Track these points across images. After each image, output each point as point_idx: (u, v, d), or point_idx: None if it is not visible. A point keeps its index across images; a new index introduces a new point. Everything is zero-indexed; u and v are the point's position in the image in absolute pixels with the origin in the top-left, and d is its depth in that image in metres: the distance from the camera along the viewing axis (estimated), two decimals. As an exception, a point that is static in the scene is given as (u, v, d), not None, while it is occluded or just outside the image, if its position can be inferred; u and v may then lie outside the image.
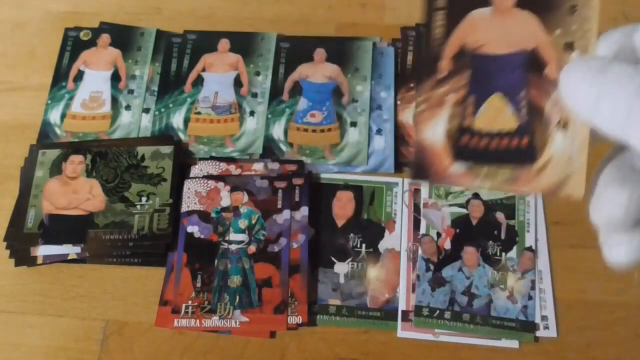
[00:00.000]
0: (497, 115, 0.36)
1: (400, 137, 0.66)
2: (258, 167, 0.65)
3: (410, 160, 0.65)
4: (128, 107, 0.70)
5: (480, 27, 0.35)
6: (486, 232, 0.61)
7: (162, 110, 0.69)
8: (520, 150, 0.35)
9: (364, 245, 0.61)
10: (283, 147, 0.66)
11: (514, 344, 0.56)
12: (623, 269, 0.26)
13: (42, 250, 0.61)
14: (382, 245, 0.61)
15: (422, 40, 0.43)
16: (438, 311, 0.57)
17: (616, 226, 0.26)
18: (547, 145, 0.32)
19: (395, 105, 0.68)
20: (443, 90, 0.36)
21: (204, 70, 0.71)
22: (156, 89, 0.70)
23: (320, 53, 0.71)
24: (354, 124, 0.67)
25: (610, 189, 0.26)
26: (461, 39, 0.36)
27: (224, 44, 0.72)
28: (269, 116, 0.68)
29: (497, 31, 0.35)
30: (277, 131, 0.67)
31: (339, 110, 0.68)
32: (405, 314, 0.58)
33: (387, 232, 0.62)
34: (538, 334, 0.57)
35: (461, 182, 0.34)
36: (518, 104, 0.35)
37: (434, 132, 0.36)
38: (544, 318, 0.57)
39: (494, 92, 0.36)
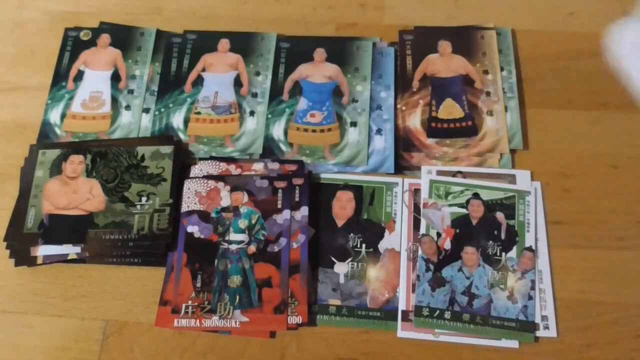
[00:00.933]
0: (450, 110, 0.66)
1: (404, 141, 0.66)
2: (258, 167, 0.65)
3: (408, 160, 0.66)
4: (128, 107, 0.70)
5: (434, 62, 0.62)
6: (486, 232, 0.61)
7: (162, 110, 0.69)
8: (467, 128, 0.66)
9: (364, 245, 0.61)
10: (283, 147, 0.66)
11: (514, 344, 0.56)
12: None
13: (42, 250, 0.61)
14: (382, 245, 0.61)
15: (399, 68, 0.70)
16: (438, 311, 0.57)
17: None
18: (482, 124, 0.58)
19: (396, 107, 0.68)
20: (416, 98, 0.69)
21: (204, 70, 0.71)
22: (156, 89, 0.70)
23: (320, 53, 0.71)
24: (354, 124, 0.67)
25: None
26: (424, 69, 0.70)
27: (224, 44, 0.72)
28: (269, 116, 0.68)
29: (444, 65, 0.70)
30: (277, 131, 0.67)
31: (339, 110, 0.68)
32: (405, 314, 0.58)
33: (387, 232, 0.62)
34: (538, 334, 0.57)
35: (434, 149, 0.61)
36: (462, 103, 0.67)
37: (414, 121, 0.67)
38: (544, 318, 0.57)
39: (447, 97, 0.68)
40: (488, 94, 0.67)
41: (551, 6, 0.76)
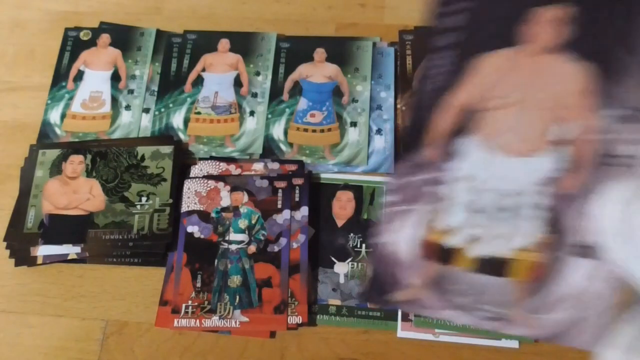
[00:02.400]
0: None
1: (405, 141, 0.66)
2: (258, 167, 0.65)
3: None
4: (128, 107, 0.70)
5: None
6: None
7: (162, 110, 0.69)
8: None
9: (364, 245, 0.61)
10: (283, 147, 0.66)
11: (514, 343, 0.56)
12: None
13: (42, 250, 0.61)
14: (382, 245, 0.61)
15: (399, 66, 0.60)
16: (438, 311, 0.57)
17: None
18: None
19: (396, 107, 0.68)
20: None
21: (204, 70, 0.71)
22: (156, 89, 0.70)
23: (320, 53, 0.71)
24: (354, 124, 0.67)
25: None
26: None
27: (224, 44, 0.72)
28: (269, 116, 0.68)
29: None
30: (277, 131, 0.67)
31: (339, 110, 0.68)
32: (405, 314, 0.58)
33: (387, 232, 0.62)
34: (538, 334, 0.57)
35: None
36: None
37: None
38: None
39: None
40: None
41: (551, 6, 0.76)
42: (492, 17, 0.23)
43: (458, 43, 0.24)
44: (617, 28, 0.21)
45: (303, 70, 0.70)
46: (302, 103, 0.68)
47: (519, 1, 0.24)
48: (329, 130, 0.67)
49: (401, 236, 0.25)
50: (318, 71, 0.70)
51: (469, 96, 0.22)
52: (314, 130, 0.67)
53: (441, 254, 0.24)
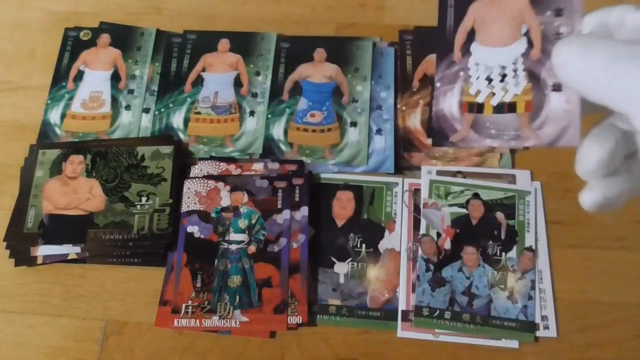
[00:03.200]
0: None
1: (405, 141, 0.66)
2: (258, 167, 0.65)
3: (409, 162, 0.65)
4: (128, 107, 0.70)
5: (435, 63, 0.42)
6: (486, 232, 0.61)
7: (162, 110, 0.69)
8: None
9: (364, 245, 0.61)
10: (283, 147, 0.66)
11: (514, 344, 0.56)
12: (593, 212, 0.30)
13: (42, 250, 0.61)
14: (382, 245, 0.61)
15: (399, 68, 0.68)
16: (438, 311, 0.57)
17: (592, 175, 0.30)
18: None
19: (396, 107, 0.68)
20: (416, 98, 0.68)
21: (204, 70, 0.71)
22: (156, 89, 0.70)
23: (320, 53, 0.71)
24: (354, 124, 0.67)
25: (589, 143, 0.30)
26: (424, 69, 0.68)
27: (224, 44, 0.72)
28: (269, 116, 0.68)
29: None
30: (277, 131, 0.67)
31: (339, 110, 0.68)
32: (405, 314, 0.58)
33: (387, 232, 0.62)
34: (538, 334, 0.57)
35: (434, 149, 0.61)
36: None
37: (414, 122, 0.67)
38: (544, 318, 0.57)
39: None
40: None
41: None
42: None
43: None
44: None
45: (303, 70, 0.70)
46: (302, 103, 0.68)
47: None
48: (329, 130, 0.67)
49: (449, 102, 0.39)
50: (318, 71, 0.70)
51: (469, 21, 0.38)
52: (314, 130, 0.67)
53: (474, 108, 0.38)
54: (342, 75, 0.70)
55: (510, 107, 0.37)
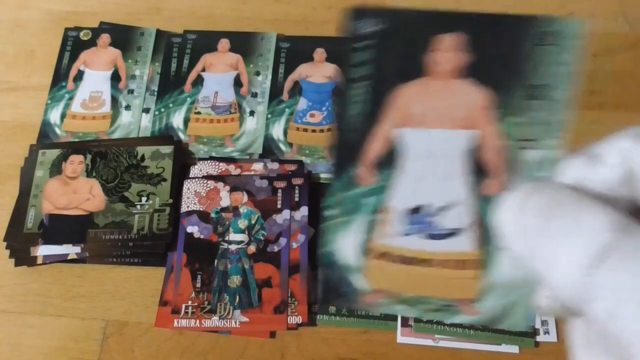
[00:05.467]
0: None
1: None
2: (258, 167, 0.65)
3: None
4: (128, 107, 0.70)
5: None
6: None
7: (162, 110, 0.69)
8: None
9: (363, 246, 0.61)
10: (283, 147, 0.66)
11: (514, 349, 0.56)
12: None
13: (42, 250, 0.61)
14: (382, 246, 0.61)
15: None
16: (438, 315, 0.57)
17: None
18: None
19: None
20: None
21: (204, 70, 0.71)
22: (156, 89, 0.70)
23: (320, 53, 0.71)
24: (353, 124, 0.67)
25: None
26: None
27: (224, 44, 0.72)
28: (269, 116, 0.68)
29: None
30: (277, 131, 0.67)
31: (338, 111, 0.68)
32: (405, 319, 0.57)
33: (387, 232, 0.61)
34: (538, 338, 0.56)
35: None
36: None
37: None
38: (544, 323, 0.57)
39: None
40: None
41: (551, 6, 0.76)
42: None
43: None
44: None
45: (303, 70, 0.70)
46: (302, 103, 0.68)
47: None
48: (329, 130, 0.67)
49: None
50: (318, 71, 0.70)
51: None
52: (313, 130, 0.67)
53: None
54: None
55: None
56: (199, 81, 0.70)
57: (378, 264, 0.30)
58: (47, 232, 0.61)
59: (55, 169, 0.65)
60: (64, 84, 0.71)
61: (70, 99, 0.70)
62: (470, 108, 0.28)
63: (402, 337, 0.57)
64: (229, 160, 0.66)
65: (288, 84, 0.70)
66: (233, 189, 0.63)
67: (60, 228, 0.62)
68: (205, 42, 0.73)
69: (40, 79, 0.72)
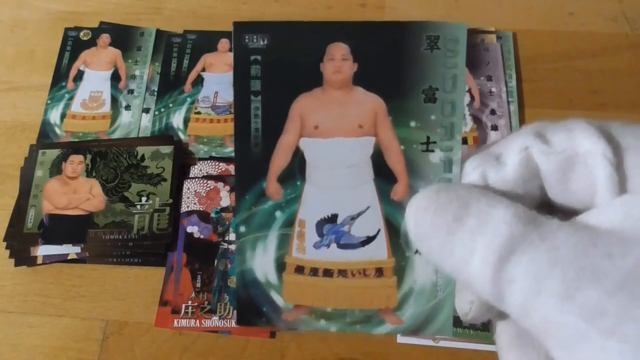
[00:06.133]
0: None
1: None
2: (258, 167, 0.65)
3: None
4: (128, 107, 0.70)
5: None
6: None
7: (162, 110, 0.69)
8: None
9: (363, 246, 0.61)
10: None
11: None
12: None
13: (42, 250, 0.61)
14: (382, 246, 0.61)
15: None
16: (438, 314, 0.57)
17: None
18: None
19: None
20: None
21: (204, 70, 0.71)
22: (156, 88, 0.71)
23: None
24: (353, 124, 0.67)
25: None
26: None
27: (224, 44, 0.72)
28: (269, 116, 0.68)
29: None
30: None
31: (338, 111, 0.68)
32: (404, 318, 0.57)
33: (387, 233, 0.61)
34: (538, 336, 0.56)
35: None
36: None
37: None
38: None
39: None
40: (493, 111, 0.65)
41: (551, 6, 0.76)
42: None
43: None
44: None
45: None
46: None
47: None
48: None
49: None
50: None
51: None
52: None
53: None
54: (342, 75, 0.70)
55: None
56: (199, 81, 0.70)
57: (295, 278, 0.30)
58: (47, 232, 0.61)
59: (55, 169, 0.65)
60: (64, 84, 0.71)
61: (70, 99, 0.70)
62: (366, 115, 0.28)
63: (402, 337, 0.57)
64: (229, 160, 0.66)
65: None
66: (233, 189, 0.63)
67: (60, 228, 0.62)
68: (205, 42, 0.73)
69: (40, 79, 0.72)
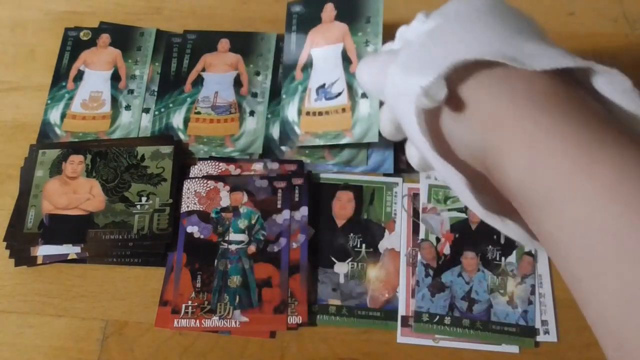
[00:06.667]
0: None
1: (403, 143, 0.66)
2: (258, 167, 0.65)
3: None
4: (128, 107, 0.70)
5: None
6: (486, 236, 0.61)
7: (162, 110, 0.69)
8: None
9: (364, 245, 0.61)
10: (283, 147, 0.66)
11: (514, 349, 0.56)
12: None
13: (42, 250, 0.61)
14: (382, 245, 0.61)
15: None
16: (438, 316, 0.57)
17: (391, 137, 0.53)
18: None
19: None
20: None
21: (203, 70, 0.71)
22: (156, 89, 0.70)
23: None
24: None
25: (382, 123, 0.52)
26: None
27: (224, 44, 0.72)
28: (269, 116, 0.68)
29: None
30: (277, 131, 0.67)
31: (338, 111, 0.68)
32: (405, 319, 0.58)
33: (387, 232, 0.62)
34: (538, 338, 0.57)
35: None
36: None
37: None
38: (544, 323, 0.57)
39: None
40: None
41: (551, 6, 0.75)
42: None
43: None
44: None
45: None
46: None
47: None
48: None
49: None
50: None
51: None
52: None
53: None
54: (342, 76, 0.70)
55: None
56: (199, 81, 0.70)
57: (306, 118, 0.63)
58: (47, 232, 0.61)
59: (55, 169, 0.65)
60: (64, 84, 0.71)
61: (70, 99, 0.70)
62: (340, 34, 0.62)
63: (402, 337, 0.57)
64: (229, 160, 0.66)
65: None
66: (233, 189, 0.63)
67: (60, 228, 0.62)
68: (205, 42, 0.73)
69: (40, 79, 0.72)
